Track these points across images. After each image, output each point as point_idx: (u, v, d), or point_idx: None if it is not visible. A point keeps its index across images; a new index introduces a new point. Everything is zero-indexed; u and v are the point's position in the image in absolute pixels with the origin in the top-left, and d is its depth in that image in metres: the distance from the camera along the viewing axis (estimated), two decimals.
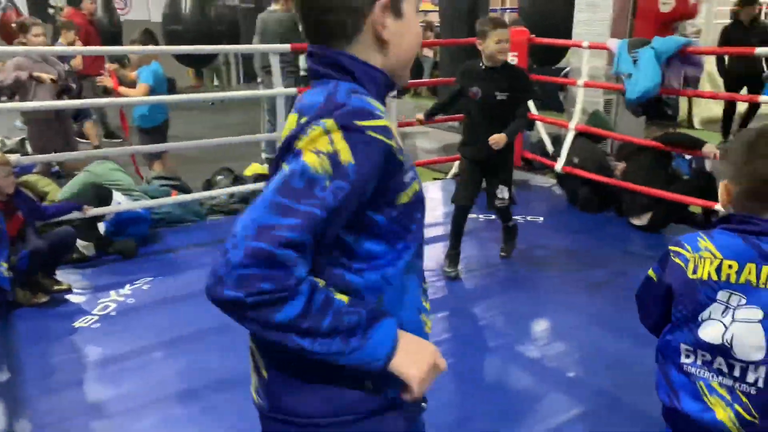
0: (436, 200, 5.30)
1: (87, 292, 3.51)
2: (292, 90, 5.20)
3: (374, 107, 1.00)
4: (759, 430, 1.42)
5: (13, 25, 6.23)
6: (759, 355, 1.39)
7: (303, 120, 0.99)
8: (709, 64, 7.26)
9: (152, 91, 4.95)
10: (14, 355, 2.88)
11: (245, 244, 0.87)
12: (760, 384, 1.39)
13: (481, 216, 4.74)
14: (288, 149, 0.98)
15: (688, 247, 1.45)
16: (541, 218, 4.69)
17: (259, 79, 6.26)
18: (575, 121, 5.12)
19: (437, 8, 8.75)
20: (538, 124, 5.66)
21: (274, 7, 5.96)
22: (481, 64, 3.44)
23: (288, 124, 1.05)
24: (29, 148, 5.47)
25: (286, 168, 0.94)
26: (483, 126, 3.41)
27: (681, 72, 4.33)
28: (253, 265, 0.86)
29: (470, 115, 3.57)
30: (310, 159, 0.92)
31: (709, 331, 1.42)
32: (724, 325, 1.41)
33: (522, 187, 5.58)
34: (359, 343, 0.95)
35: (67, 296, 3.45)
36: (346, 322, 0.94)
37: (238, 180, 5.17)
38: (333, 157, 0.92)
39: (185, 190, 4.87)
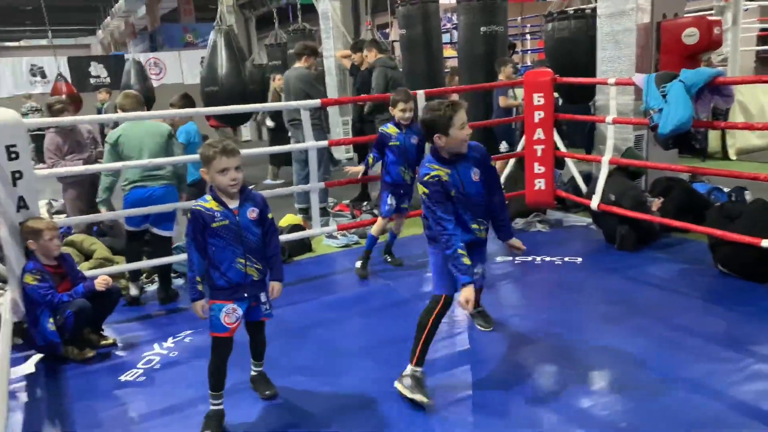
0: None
1: (132, 346, 3.58)
2: (324, 143, 5.33)
3: (428, 168, 2.71)
4: None
5: (63, 97, 6.64)
6: None
7: None
8: (740, 94, 7.19)
9: (187, 149, 5.12)
10: (64, 410, 2.93)
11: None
12: None
13: (517, 259, 4.70)
14: None
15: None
16: (580, 258, 4.62)
17: (289, 133, 6.45)
18: (608, 157, 5.10)
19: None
20: (569, 161, 5.65)
21: (297, 64, 6.21)
22: None
23: None
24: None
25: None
26: None
27: (710, 103, 4.30)
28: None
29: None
30: (425, 198, 2.71)
31: None
32: None
33: (556, 227, 5.54)
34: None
35: (113, 350, 3.52)
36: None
37: None
38: (425, 194, 2.67)
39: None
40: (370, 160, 4.56)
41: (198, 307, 2.61)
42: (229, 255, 2.55)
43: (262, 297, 2.73)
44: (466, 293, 2.58)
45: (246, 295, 2.65)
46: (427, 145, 3.02)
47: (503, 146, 6.48)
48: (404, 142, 4.36)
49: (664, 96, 4.29)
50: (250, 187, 2.72)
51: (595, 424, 2.54)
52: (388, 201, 4.46)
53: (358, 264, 4.58)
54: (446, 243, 2.62)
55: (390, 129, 4.38)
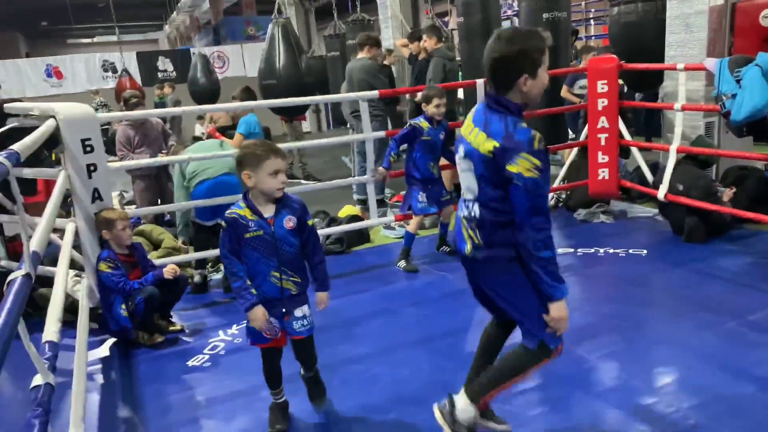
0: None
1: (198, 333, 3.73)
2: (381, 133, 5.35)
3: (527, 129, 1.95)
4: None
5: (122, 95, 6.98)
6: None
7: (497, 145, 1.95)
8: None
9: (249, 137, 5.25)
10: (135, 393, 3.09)
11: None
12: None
13: (579, 250, 4.60)
14: (499, 160, 1.96)
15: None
16: (645, 251, 4.47)
17: (348, 125, 6.50)
18: (676, 145, 4.89)
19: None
20: (635, 150, 5.44)
21: (360, 55, 6.23)
22: None
23: (473, 135, 2.06)
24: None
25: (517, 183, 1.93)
26: None
27: None
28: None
29: None
30: (530, 174, 1.90)
31: None
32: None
33: (620, 218, 5.37)
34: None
35: (181, 336, 3.67)
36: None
37: (333, 221, 5.34)
38: (537, 168, 1.90)
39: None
40: (392, 158, 4.48)
41: (259, 314, 2.39)
42: (263, 268, 2.39)
43: (298, 312, 2.50)
44: (562, 310, 2.10)
45: (284, 310, 2.47)
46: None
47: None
48: (434, 137, 4.37)
49: (738, 81, 4.07)
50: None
51: (660, 421, 2.47)
52: (419, 198, 4.43)
53: (402, 263, 4.56)
54: (545, 242, 1.99)
55: (422, 123, 4.36)
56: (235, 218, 2.36)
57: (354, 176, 6.49)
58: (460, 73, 6.78)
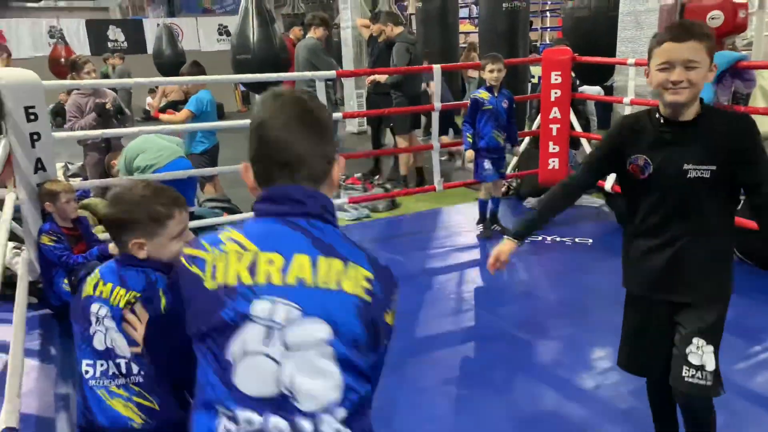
0: (474, 222, 5.29)
1: None
2: (338, 115, 5.32)
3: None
4: None
5: (62, 60, 6.65)
6: (335, 398, 0.97)
7: (371, 280, 1.03)
8: (762, 78, 7.04)
9: (197, 117, 5.14)
10: (75, 370, 3.00)
11: None
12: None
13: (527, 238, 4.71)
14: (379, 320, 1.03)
15: (206, 244, 1.02)
16: (590, 240, 4.62)
17: None
18: None
19: (477, 30, 8.82)
20: (584, 142, 5.60)
21: (309, 35, 6.18)
22: (657, 116, 1.77)
23: (348, 278, 1.01)
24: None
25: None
26: (667, 229, 1.80)
27: (731, 87, 4.24)
28: None
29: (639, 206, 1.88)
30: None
31: (252, 377, 0.97)
32: (273, 360, 0.97)
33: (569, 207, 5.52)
34: None
35: None
36: None
37: None
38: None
39: (235, 211, 5.01)
40: (470, 137, 4.55)
41: None
42: None
43: None
44: None
45: None
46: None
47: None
48: (496, 105, 4.48)
49: None
50: None
51: (597, 404, 2.58)
52: (485, 165, 4.54)
53: (481, 228, 4.79)
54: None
55: (482, 94, 4.51)
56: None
57: None
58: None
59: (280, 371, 0.96)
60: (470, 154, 4.62)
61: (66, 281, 3.40)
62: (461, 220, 5.24)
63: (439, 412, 2.55)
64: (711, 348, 1.75)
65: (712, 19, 4.93)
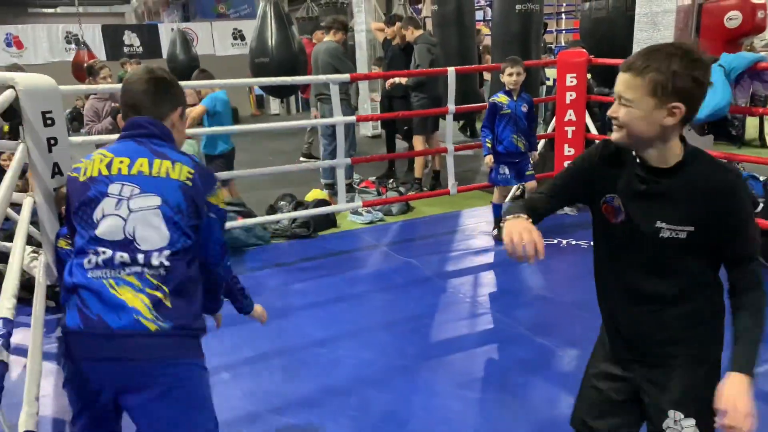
0: (489, 225, 5.27)
1: None
2: (352, 118, 5.33)
3: None
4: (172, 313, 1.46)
5: (85, 65, 6.74)
6: (162, 242, 1.51)
7: (192, 174, 1.60)
8: None
9: (214, 116, 5.15)
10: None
11: None
12: (167, 263, 1.49)
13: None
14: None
15: (83, 159, 1.62)
16: (583, 242, 4.56)
17: (313, 110, 6.46)
18: None
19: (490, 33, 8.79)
20: None
21: (326, 38, 6.19)
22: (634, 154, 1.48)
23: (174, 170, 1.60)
24: None
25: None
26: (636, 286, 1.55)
27: (749, 89, 4.18)
28: None
29: (609, 256, 1.67)
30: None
31: (107, 228, 1.51)
32: (121, 218, 1.51)
33: (584, 210, 5.47)
34: None
35: None
36: None
37: (300, 205, 5.31)
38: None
39: (250, 215, 5.04)
40: (488, 143, 4.53)
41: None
42: None
43: None
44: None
45: None
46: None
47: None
48: (515, 109, 4.46)
49: None
50: None
51: None
52: (500, 170, 4.55)
53: (495, 231, 4.77)
54: None
55: (501, 98, 4.47)
56: None
57: (321, 159, 6.45)
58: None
59: (126, 225, 1.51)
60: (489, 159, 4.58)
61: None
62: (476, 224, 5.22)
63: (454, 416, 2.54)
64: (692, 422, 1.48)
65: (730, 19, 4.86)
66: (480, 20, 14.03)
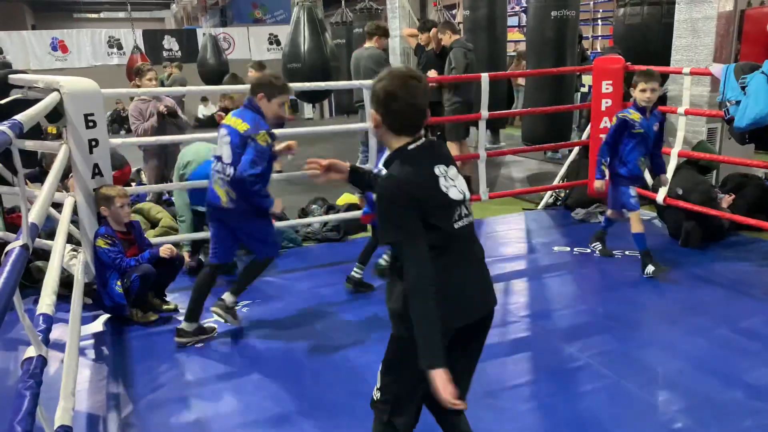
0: (521, 232, 5.21)
1: None
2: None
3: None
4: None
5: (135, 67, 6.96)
6: (229, 159, 3.15)
7: (247, 127, 3.17)
8: None
9: None
10: (126, 369, 3.10)
11: None
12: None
13: (575, 249, 4.61)
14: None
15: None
16: (617, 252, 4.49)
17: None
18: (677, 149, 4.90)
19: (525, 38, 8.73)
20: None
21: (367, 44, 6.22)
22: None
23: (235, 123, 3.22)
24: (144, 178, 5.95)
25: None
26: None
27: None
28: None
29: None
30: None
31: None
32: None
33: (618, 220, 5.38)
34: None
35: (175, 316, 3.69)
36: None
37: (331, 209, 5.34)
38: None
39: (282, 218, 5.09)
40: (605, 166, 4.06)
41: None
42: None
43: None
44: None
45: None
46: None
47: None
48: (647, 128, 3.99)
49: (743, 88, 4.06)
50: None
51: (646, 423, 2.49)
52: (632, 192, 4.05)
53: (650, 268, 4.02)
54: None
55: (633, 114, 3.97)
56: None
57: (358, 164, 6.48)
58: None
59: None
60: (601, 185, 4.11)
61: (119, 283, 3.51)
62: (507, 230, 5.18)
63: (483, 425, 2.51)
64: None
65: None
66: (515, 26, 13.92)
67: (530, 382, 2.84)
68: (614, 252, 4.49)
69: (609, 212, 4.43)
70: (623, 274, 4.12)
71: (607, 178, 4.14)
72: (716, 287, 3.84)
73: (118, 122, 14.39)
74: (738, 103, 4.07)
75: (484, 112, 5.18)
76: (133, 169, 6.80)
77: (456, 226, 1.71)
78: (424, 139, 1.75)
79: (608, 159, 4.05)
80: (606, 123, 5.23)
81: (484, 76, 5.13)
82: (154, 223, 4.83)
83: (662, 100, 6.83)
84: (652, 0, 6.03)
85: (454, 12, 11.96)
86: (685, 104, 4.86)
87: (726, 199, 4.60)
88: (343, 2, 11.06)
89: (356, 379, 2.89)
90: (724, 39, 5.12)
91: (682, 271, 4.11)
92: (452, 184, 1.73)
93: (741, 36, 5.08)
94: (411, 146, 1.72)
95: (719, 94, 4.31)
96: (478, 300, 1.79)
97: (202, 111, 14.66)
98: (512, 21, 14.06)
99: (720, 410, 2.55)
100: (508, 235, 5.05)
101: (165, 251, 3.58)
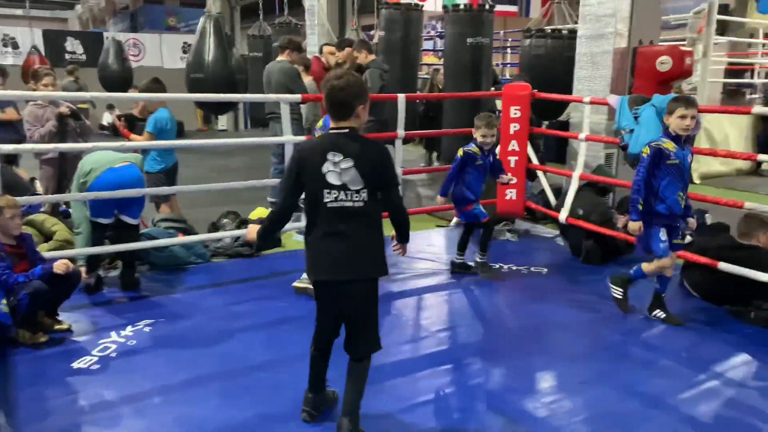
0: (438, 247, 5.32)
1: (88, 332, 3.50)
2: (301, 137, 5.29)
3: None
4: None
5: (31, 70, 6.52)
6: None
7: None
8: (706, 122, 7.42)
9: (159, 137, 5.04)
10: (9, 396, 2.84)
11: None
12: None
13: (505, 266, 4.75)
14: None
15: None
16: (545, 269, 4.69)
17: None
18: (579, 172, 5.21)
19: (441, 62, 9.02)
20: (540, 174, 5.74)
21: (280, 58, 6.17)
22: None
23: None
24: (38, 187, 5.56)
25: None
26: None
27: None
28: None
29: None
30: None
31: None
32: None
33: (524, 237, 5.62)
34: None
35: (68, 336, 3.43)
36: None
37: (243, 223, 5.21)
38: None
39: (190, 232, 4.91)
40: (641, 204, 3.48)
41: None
42: None
43: None
44: None
45: None
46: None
47: None
48: (683, 159, 3.49)
49: (636, 118, 4.41)
50: None
51: (543, 428, 2.59)
52: (662, 236, 3.54)
53: (659, 313, 3.75)
54: None
55: (667, 143, 3.46)
56: None
57: (270, 177, 6.37)
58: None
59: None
60: (639, 227, 3.52)
61: (4, 301, 3.22)
62: (422, 246, 5.25)
63: None
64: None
65: (662, 63, 5.15)
66: (430, 50, 14.30)
67: (438, 398, 2.87)
68: (520, 267, 4.68)
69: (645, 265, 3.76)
70: (529, 290, 4.29)
71: (637, 218, 3.54)
72: (614, 303, 4.05)
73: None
74: (632, 131, 4.40)
75: (401, 131, 5.27)
76: (27, 178, 6.36)
77: (327, 202, 2.26)
78: (347, 129, 2.30)
79: (643, 194, 3.51)
80: (514, 146, 5.47)
81: (401, 97, 5.22)
82: (48, 236, 4.50)
83: (564, 126, 7.26)
84: (555, 35, 6.44)
85: (371, 33, 12.14)
86: (586, 131, 5.18)
87: (621, 220, 4.92)
88: (261, 15, 10.94)
89: (267, 401, 2.80)
90: (619, 72, 5.54)
91: (584, 286, 4.36)
92: (335, 170, 2.25)
93: (634, 71, 5.50)
94: (332, 131, 2.33)
95: (615, 123, 4.63)
96: (328, 267, 2.32)
97: (107, 118, 13.96)
98: (428, 44, 14.46)
99: (619, 420, 2.69)
100: (422, 251, 5.13)
101: (60, 267, 3.34)
